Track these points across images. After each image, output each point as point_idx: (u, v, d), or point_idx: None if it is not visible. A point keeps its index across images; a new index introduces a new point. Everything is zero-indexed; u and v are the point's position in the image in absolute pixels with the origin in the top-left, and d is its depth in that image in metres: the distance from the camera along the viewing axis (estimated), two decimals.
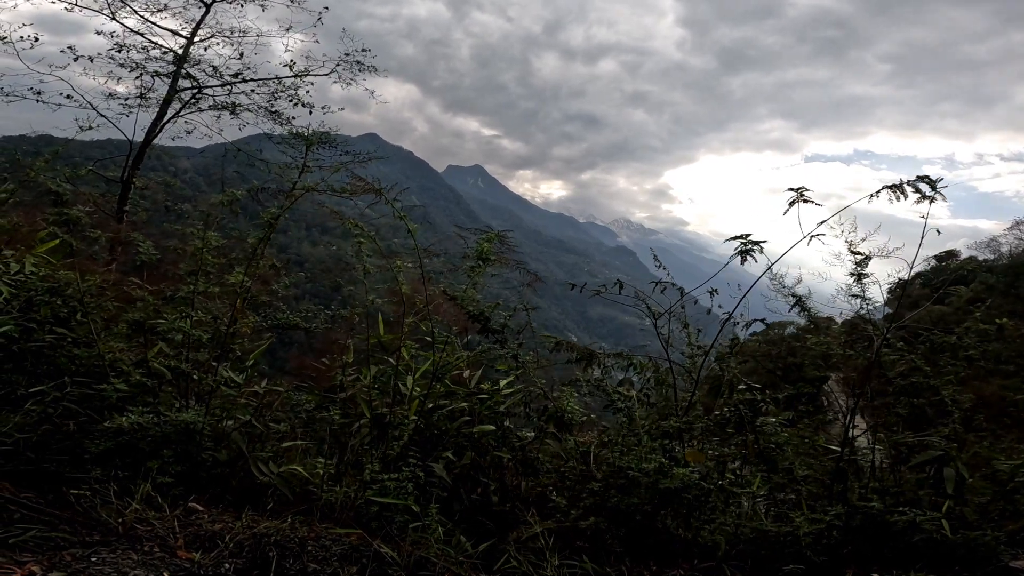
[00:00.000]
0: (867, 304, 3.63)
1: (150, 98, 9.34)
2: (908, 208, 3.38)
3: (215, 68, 9.71)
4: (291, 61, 9.99)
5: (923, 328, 3.68)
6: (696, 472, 3.03)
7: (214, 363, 3.44)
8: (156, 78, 9.40)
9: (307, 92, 10.07)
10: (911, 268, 3.38)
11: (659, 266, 3.80)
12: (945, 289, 3.90)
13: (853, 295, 3.56)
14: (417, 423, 3.44)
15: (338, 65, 10.24)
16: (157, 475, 2.69)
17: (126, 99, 9.25)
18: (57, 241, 3.95)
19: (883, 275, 3.59)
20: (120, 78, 9.37)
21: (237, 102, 9.88)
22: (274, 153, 9.24)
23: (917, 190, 3.00)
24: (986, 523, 3.09)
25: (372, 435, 3.52)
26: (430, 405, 3.56)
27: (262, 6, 10.08)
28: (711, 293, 3.60)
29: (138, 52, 9.35)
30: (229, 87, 9.89)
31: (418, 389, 3.72)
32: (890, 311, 4.15)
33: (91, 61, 9.16)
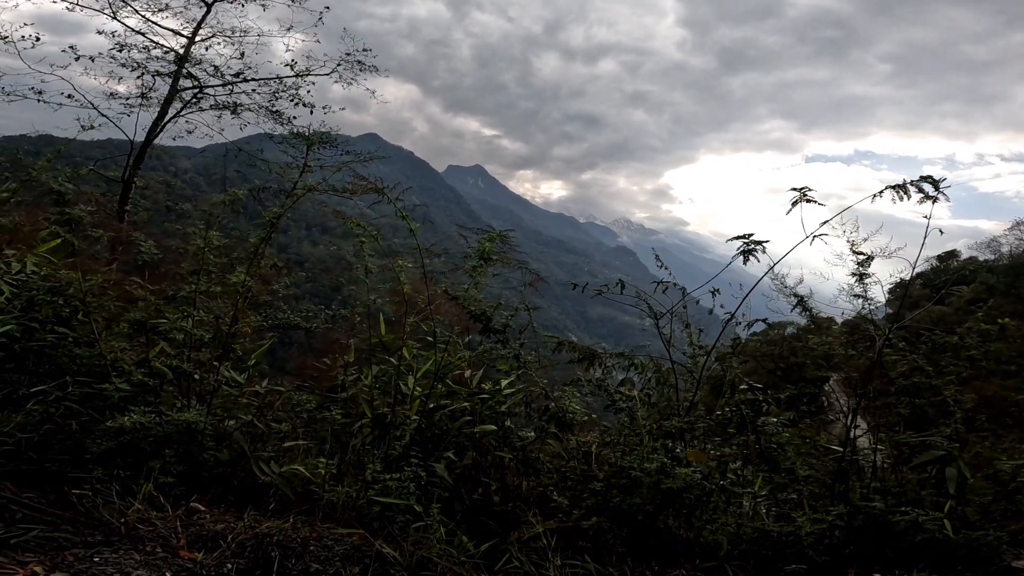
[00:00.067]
0: (868, 304, 3.63)
1: (151, 98, 9.36)
2: (908, 208, 3.37)
3: (216, 68, 9.72)
4: (292, 61, 10.00)
5: (925, 328, 3.67)
6: (698, 472, 3.03)
7: (216, 363, 3.44)
8: (157, 78, 9.42)
9: (308, 92, 10.09)
10: (913, 268, 3.38)
11: (661, 266, 3.79)
12: (947, 289, 3.89)
13: (855, 295, 3.56)
14: (419, 423, 3.44)
15: (339, 65, 10.26)
16: (159, 475, 2.68)
17: (127, 99, 9.26)
18: (59, 240, 3.95)
19: (884, 275, 3.59)
20: (121, 78, 9.39)
21: (238, 102, 9.90)
22: (275, 153, 9.23)
23: (920, 190, 3.00)
24: (988, 523, 3.08)
25: (373, 435, 3.53)
26: (431, 405, 3.56)
27: (263, 6, 10.09)
28: (713, 293, 3.59)
29: (139, 52, 9.37)
30: (230, 87, 9.90)
31: (419, 389, 3.72)
32: (891, 311, 4.14)
33: (92, 61, 9.17)
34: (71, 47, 9.07)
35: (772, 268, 3.54)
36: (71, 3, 9.14)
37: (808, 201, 3.14)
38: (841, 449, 3.48)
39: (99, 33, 9.31)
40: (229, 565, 2.18)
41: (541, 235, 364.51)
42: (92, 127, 6.49)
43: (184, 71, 9.50)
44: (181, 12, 9.67)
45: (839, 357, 3.82)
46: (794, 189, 3.20)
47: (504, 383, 3.87)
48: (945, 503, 3.08)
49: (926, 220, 3.14)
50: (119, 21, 9.35)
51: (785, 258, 3.52)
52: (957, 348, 3.41)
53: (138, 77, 9.36)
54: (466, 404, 3.65)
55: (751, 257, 3.23)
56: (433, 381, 3.59)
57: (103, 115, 8.76)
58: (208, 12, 9.79)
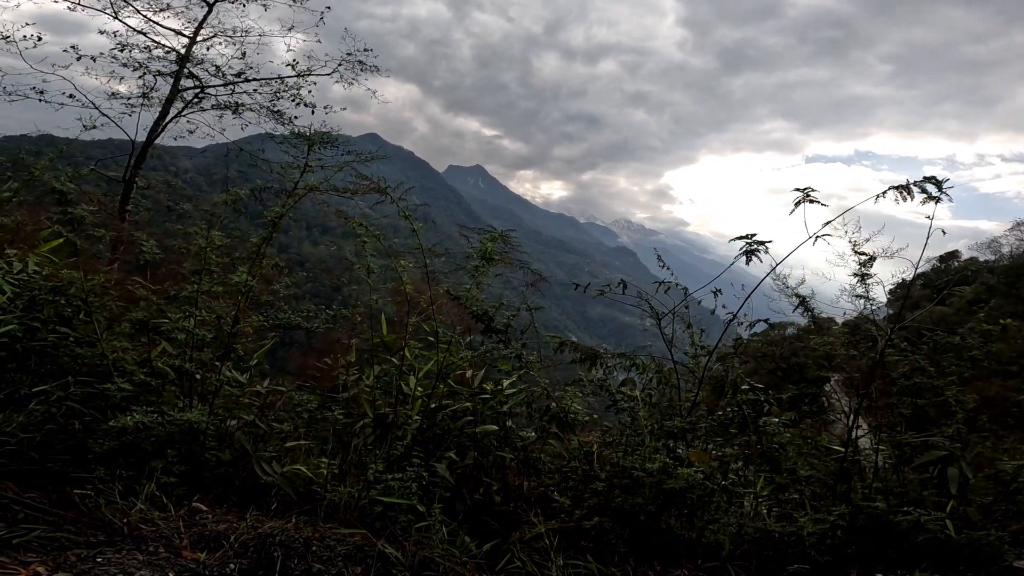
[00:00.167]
0: (870, 305, 3.63)
1: (152, 98, 9.35)
2: (909, 209, 3.37)
3: (218, 68, 9.72)
4: (294, 61, 10.01)
5: (926, 328, 3.67)
6: (700, 472, 3.03)
7: (217, 363, 3.44)
8: (159, 78, 9.41)
9: (309, 92, 10.09)
10: (915, 269, 3.38)
11: (663, 266, 3.79)
12: (949, 290, 3.89)
13: (857, 295, 3.56)
14: (420, 423, 3.44)
15: (340, 65, 10.26)
16: (161, 475, 2.68)
17: (128, 99, 9.26)
18: (60, 240, 3.95)
19: (885, 276, 3.59)
20: (122, 78, 9.38)
21: (240, 102, 9.90)
22: (276, 153, 9.24)
23: (923, 191, 3.00)
24: (990, 523, 3.09)
25: (375, 435, 3.53)
26: (433, 405, 3.56)
27: (264, 6, 10.09)
28: (715, 294, 3.59)
29: (140, 52, 9.36)
30: (232, 87, 9.90)
31: (421, 389, 3.72)
32: (892, 312, 4.14)
33: (93, 61, 9.16)
34: (72, 47, 9.07)
35: (774, 269, 3.54)
36: (72, 3, 9.14)
37: (811, 202, 3.14)
38: (843, 449, 3.48)
39: (100, 33, 9.32)
40: (232, 565, 2.18)
41: (541, 235, 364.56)
42: (94, 127, 6.49)
43: (185, 71, 9.50)
44: (182, 12, 9.68)
45: (840, 357, 3.82)
46: (797, 190, 3.20)
47: (506, 383, 3.87)
48: (947, 503, 3.08)
49: (928, 220, 3.14)
50: (120, 21, 9.36)
51: (786, 258, 3.53)
52: (959, 348, 3.41)
53: (139, 77, 9.36)
54: (468, 404, 3.65)
55: (753, 257, 3.23)
56: (435, 381, 3.59)
57: (104, 115, 8.76)
58: (209, 12, 9.79)
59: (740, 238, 3.27)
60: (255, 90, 10.03)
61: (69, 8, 9.21)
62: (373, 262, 3.54)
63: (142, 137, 9.21)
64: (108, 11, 9.24)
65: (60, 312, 3.22)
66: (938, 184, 2.98)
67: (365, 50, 10.31)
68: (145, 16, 9.43)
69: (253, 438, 3.28)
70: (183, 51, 9.50)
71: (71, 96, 8.79)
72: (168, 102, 9.36)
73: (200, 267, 3.32)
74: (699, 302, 3.88)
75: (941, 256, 35.62)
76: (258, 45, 10.12)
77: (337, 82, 10.35)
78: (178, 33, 9.72)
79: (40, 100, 8.64)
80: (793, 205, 3.17)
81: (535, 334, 3.78)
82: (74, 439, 2.78)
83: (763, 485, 3.38)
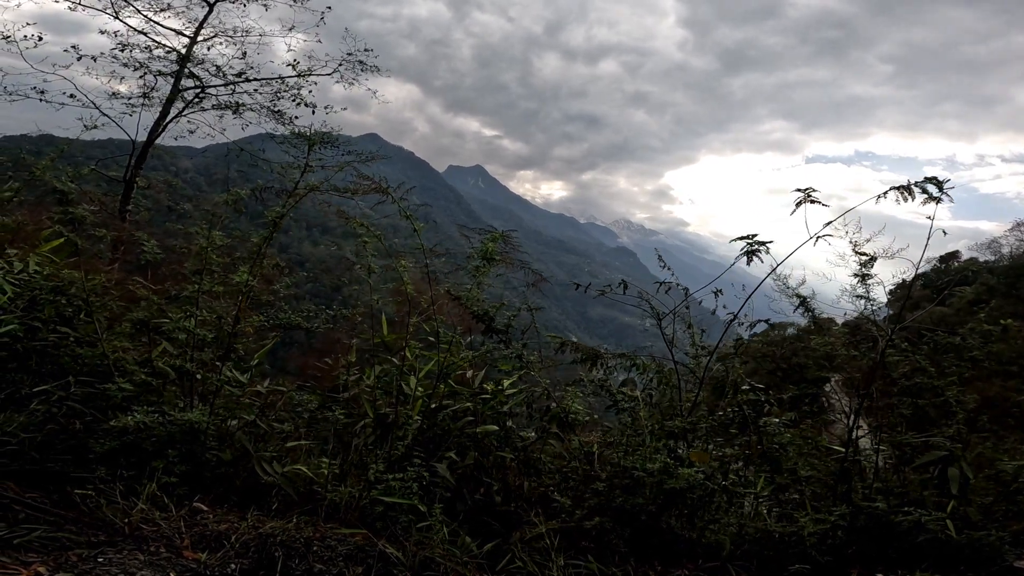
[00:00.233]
0: (870, 305, 3.63)
1: (153, 97, 9.36)
2: (909, 210, 3.38)
3: (218, 68, 9.73)
4: (295, 60, 10.01)
5: (927, 328, 3.67)
6: (701, 472, 3.03)
7: (218, 363, 3.44)
8: (159, 77, 9.42)
9: (310, 92, 10.10)
10: (916, 269, 3.38)
11: (663, 266, 3.79)
12: (950, 290, 3.89)
13: (857, 296, 3.56)
14: (421, 423, 3.45)
15: (340, 65, 10.27)
16: (162, 475, 2.68)
17: (129, 98, 9.27)
18: (61, 240, 3.95)
19: (886, 276, 3.59)
20: (123, 77, 9.39)
21: (240, 102, 9.91)
22: (277, 153, 9.25)
23: (924, 191, 3.00)
24: (990, 523, 3.09)
25: (376, 435, 3.53)
26: (434, 405, 3.56)
27: (265, 6, 10.10)
28: (716, 294, 3.59)
29: (141, 51, 9.37)
30: (232, 87, 9.90)
31: (421, 389, 3.72)
32: (892, 312, 4.15)
33: (94, 60, 9.17)
34: (73, 47, 9.08)
35: (775, 269, 3.54)
36: (73, 3, 9.15)
37: (812, 202, 3.14)
38: (843, 449, 3.48)
39: (101, 33, 9.33)
40: (233, 565, 2.18)
41: (541, 235, 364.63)
42: (95, 127, 6.50)
43: (186, 71, 9.51)
44: (183, 12, 9.69)
45: (841, 358, 3.82)
46: (798, 190, 3.20)
47: (506, 383, 3.87)
48: (947, 503, 3.08)
49: (928, 221, 3.14)
50: (121, 21, 9.37)
51: (787, 259, 3.53)
52: (959, 349, 3.41)
53: (140, 77, 9.37)
54: (468, 404, 3.65)
55: (754, 258, 3.23)
56: (436, 381, 3.59)
57: (105, 115, 8.77)
58: (210, 12, 9.80)
59: (741, 238, 3.27)
60: (256, 90, 10.04)
61: (70, 8, 9.23)
62: (374, 262, 3.53)
63: (142, 137, 9.22)
64: (109, 11, 9.25)
65: (61, 312, 3.22)
66: (939, 185, 2.98)
67: (366, 50, 10.33)
68: (146, 16, 9.45)
69: (254, 438, 3.28)
70: (184, 51, 9.51)
71: (72, 96, 8.81)
72: (169, 102, 9.37)
73: (201, 267, 3.32)
74: (699, 302, 3.88)
75: (942, 256, 35.62)
76: (259, 45, 10.14)
77: (337, 82, 10.37)
78: (179, 33, 9.74)
79: (41, 100, 8.65)
80: (794, 205, 3.17)
81: (536, 334, 3.78)
82: (75, 439, 2.78)
83: (764, 485, 3.38)
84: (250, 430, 3.32)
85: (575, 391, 3.67)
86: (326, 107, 10.18)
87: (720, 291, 3.60)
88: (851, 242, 3.43)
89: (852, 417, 3.54)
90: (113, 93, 9.27)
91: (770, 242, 3.25)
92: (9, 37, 8.34)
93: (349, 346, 4.22)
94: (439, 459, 3.30)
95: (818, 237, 3.21)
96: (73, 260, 3.71)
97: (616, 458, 3.29)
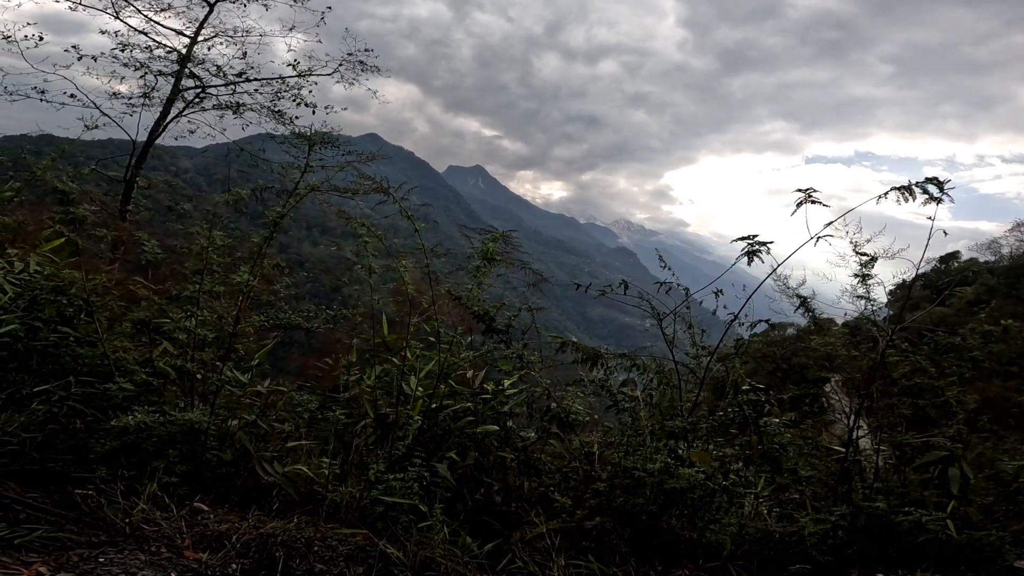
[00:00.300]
0: (871, 305, 3.63)
1: (153, 97, 9.37)
2: (910, 210, 3.38)
3: (219, 68, 9.73)
4: (295, 61, 10.02)
5: (927, 329, 3.68)
6: (701, 472, 3.03)
7: (219, 363, 3.44)
8: (159, 77, 9.43)
9: (310, 92, 10.11)
10: (916, 269, 3.38)
11: (664, 267, 3.79)
12: (950, 290, 3.89)
13: (858, 296, 3.56)
14: (421, 423, 3.45)
15: (340, 65, 10.28)
16: (163, 475, 2.68)
17: (129, 98, 9.27)
18: (62, 240, 3.95)
19: (886, 277, 3.59)
20: (123, 77, 9.40)
21: (240, 102, 9.92)
22: (277, 153, 9.26)
23: (925, 191, 3.00)
24: (991, 523, 3.09)
25: (376, 435, 3.53)
26: (434, 405, 3.56)
27: (265, 6, 10.11)
28: (716, 294, 3.60)
29: (141, 51, 9.38)
30: (233, 87, 9.91)
31: (422, 389, 3.72)
32: (892, 312, 4.15)
33: (95, 60, 9.18)
34: (74, 47, 9.09)
35: (775, 270, 3.54)
36: (73, 3, 9.16)
37: (812, 202, 3.14)
38: (843, 450, 3.48)
39: (102, 33, 9.33)
40: (234, 565, 2.18)
41: (541, 236, 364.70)
42: (95, 127, 6.49)
43: (186, 71, 9.51)
44: (183, 12, 9.70)
45: (841, 358, 3.82)
46: (799, 190, 3.20)
47: (507, 383, 3.87)
48: (948, 503, 3.09)
49: (929, 221, 3.14)
50: (121, 21, 9.38)
51: (788, 259, 3.53)
52: (959, 349, 3.41)
53: (140, 77, 9.38)
54: (469, 404, 3.65)
55: (755, 258, 3.23)
56: (436, 381, 3.59)
57: (105, 115, 8.77)
58: (211, 12, 9.81)
59: (742, 239, 3.27)
60: (256, 90, 10.05)
61: (70, 8, 9.23)
62: (374, 262, 3.54)
63: (143, 137, 9.23)
64: (109, 11, 9.27)
65: (62, 312, 3.22)
66: (939, 185, 2.99)
67: (366, 50, 10.35)
68: (146, 16, 9.46)
69: (254, 438, 3.28)
70: (184, 51, 9.51)
71: (72, 96, 8.81)
72: (169, 102, 9.37)
73: (202, 267, 3.32)
74: (700, 303, 3.88)
75: (942, 257, 35.59)
76: (259, 45, 10.15)
77: (338, 82, 10.38)
78: (179, 33, 9.74)
79: (41, 100, 8.65)
80: (795, 206, 3.17)
81: (536, 334, 3.78)
82: (76, 439, 2.78)
83: (764, 485, 3.38)
84: (251, 430, 3.32)
85: (575, 391, 3.67)
86: (326, 107, 10.20)
87: (720, 291, 3.60)
88: (851, 242, 3.43)
89: (852, 417, 3.54)
90: (113, 93, 9.28)
91: (770, 243, 3.25)
92: (9, 37, 8.35)
93: (349, 346, 4.22)
94: (440, 459, 3.30)
95: (818, 237, 3.22)
96: (74, 260, 3.71)
97: (617, 458, 3.29)
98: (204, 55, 9.84)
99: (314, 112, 10.08)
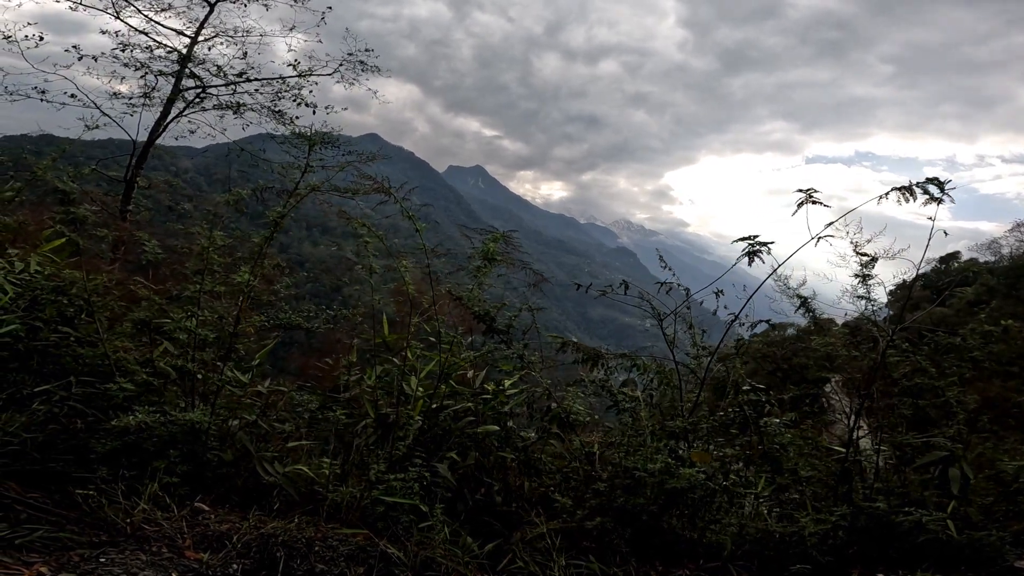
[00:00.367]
0: (871, 305, 3.63)
1: (154, 98, 9.37)
2: (910, 210, 3.38)
3: (219, 68, 9.73)
4: (295, 61, 10.02)
5: (928, 329, 3.68)
6: (702, 472, 3.04)
7: (219, 363, 3.44)
8: (160, 77, 9.43)
9: (310, 92, 10.11)
10: (917, 269, 3.39)
11: (664, 267, 3.80)
12: (951, 290, 3.90)
13: (858, 296, 3.56)
14: (422, 423, 3.45)
15: (341, 65, 10.28)
16: (163, 475, 2.68)
17: (130, 98, 9.27)
18: (62, 240, 3.95)
19: (886, 277, 3.60)
20: (124, 77, 9.40)
21: (241, 102, 9.92)
22: (277, 153, 9.27)
23: (926, 192, 3.01)
24: (991, 523, 3.09)
25: (377, 435, 3.53)
26: (435, 405, 3.56)
27: (265, 6, 10.11)
28: (717, 294, 3.60)
29: (142, 51, 9.38)
30: (233, 87, 9.91)
31: (422, 389, 3.73)
32: (892, 312, 4.15)
33: (95, 60, 9.18)
34: (74, 47, 9.09)
35: (776, 270, 3.55)
36: (74, 3, 9.16)
37: (813, 203, 3.14)
38: (844, 450, 3.49)
39: (102, 33, 9.34)
40: (235, 566, 2.18)
41: (541, 236, 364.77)
42: (96, 127, 6.50)
43: (187, 71, 9.52)
44: (184, 12, 9.70)
45: (841, 358, 3.82)
46: (800, 191, 3.20)
47: (507, 383, 3.87)
48: (948, 504, 3.09)
49: (929, 221, 3.15)
50: (122, 21, 9.38)
51: (788, 260, 3.53)
52: (960, 349, 3.42)
53: (141, 77, 9.38)
54: (469, 404, 3.66)
55: (755, 258, 3.23)
56: (437, 381, 3.59)
57: (106, 115, 8.78)
58: (211, 12, 9.81)
59: (743, 239, 3.27)
60: (256, 90, 10.06)
61: (71, 8, 9.23)
62: (375, 262, 3.54)
63: (143, 137, 9.23)
64: (110, 11, 9.27)
65: (62, 312, 3.22)
66: (940, 185, 2.99)
67: (366, 50, 10.35)
68: (147, 16, 9.46)
69: (255, 438, 3.29)
70: (185, 51, 9.52)
71: (72, 96, 8.81)
72: (169, 102, 9.38)
73: (202, 267, 3.32)
74: (700, 303, 3.88)
75: (942, 257, 35.55)
76: (259, 45, 10.15)
77: (338, 82, 10.39)
78: (180, 33, 9.74)
79: (42, 100, 8.65)
80: (796, 206, 3.17)
81: (536, 334, 3.79)
82: (76, 439, 2.78)
83: (764, 485, 3.38)
84: (251, 430, 3.32)
85: (576, 391, 3.67)
86: (327, 107, 10.21)
87: (721, 292, 3.60)
88: (852, 243, 3.43)
89: (853, 417, 3.54)
90: (114, 93, 9.28)
91: (771, 243, 3.25)
92: (10, 37, 8.35)
93: (350, 346, 4.23)
94: (440, 459, 3.30)
95: (819, 238, 3.22)
96: (74, 260, 3.71)
97: (617, 458, 3.29)
98: (204, 55, 9.85)
99: (314, 112, 10.09)
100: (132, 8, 9.37)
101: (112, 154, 9.83)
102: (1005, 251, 39.30)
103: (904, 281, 3.94)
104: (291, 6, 10.17)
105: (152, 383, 3.21)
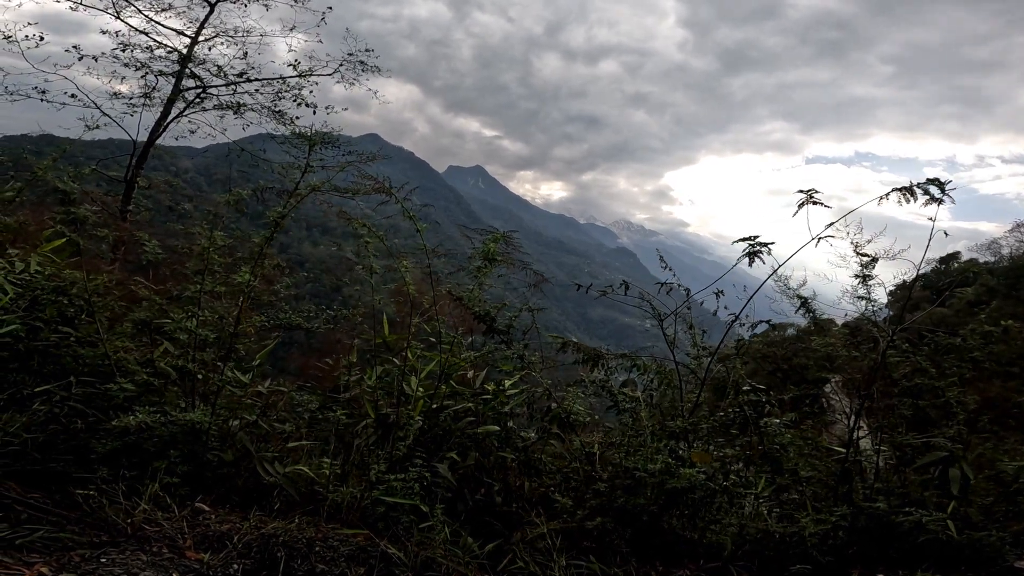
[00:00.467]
0: (871, 306, 3.63)
1: (154, 98, 9.37)
2: (910, 211, 3.38)
3: (220, 68, 9.74)
4: (295, 61, 10.03)
5: (928, 329, 3.68)
6: (702, 473, 3.04)
7: (220, 363, 3.44)
8: (160, 78, 9.43)
9: (311, 92, 10.12)
10: (917, 270, 3.39)
11: (664, 267, 3.80)
12: (951, 291, 3.90)
13: (858, 297, 3.56)
14: (422, 424, 3.45)
15: (341, 65, 10.28)
16: (164, 475, 2.68)
17: (130, 99, 9.28)
18: (63, 240, 3.95)
19: (886, 277, 3.60)
20: (124, 78, 9.41)
21: (241, 102, 9.93)
22: (277, 153, 9.27)
23: (926, 192, 3.01)
24: (991, 524, 3.10)
25: (377, 435, 3.53)
26: (435, 406, 3.56)
27: (266, 6, 10.12)
28: (717, 295, 3.60)
29: (142, 51, 9.39)
30: (233, 87, 9.91)
31: (422, 390, 3.73)
32: (892, 313, 4.15)
33: (95, 61, 9.18)
34: (74, 47, 9.09)
35: (776, 271, 3.55)
36: (74, 3, 9.16)
37: (814, 203, 3.14)
38: (844, 450, 3.49)
39: (103, 33, 9.34)
40: (235, 566, 2.18)
41: (541, 236, 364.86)
42: (96, 127, 6.50)
43: (187, 71, 9.52)
44: (184, 12, 9.70)
45: (841, 358, 3.82)
46: (800, 191, 3.21)
47: (507, 384, 3.87)
48: (948, 504, 3.09)
49: (929, 222, 3.15)
50: (122, 21, 9.38)
51: (789, 260, 3.54)
52: (960, 350, 3.42)
53: (141, 77, 9.39)
54: (469, 405, 3.66)
55: (756, 259, 3.23)
56: (437, 382, 3.59)
57: (106, 115, 8.78)
58: (211, 12, 9.82)
59: (743, 240, 3.28)
60: (257, 90, 10.06)
61: (71, 8, 9.23)
62: (375, 262, 3.54)
63: (143, 137, 9.23)
64: (110, 11, 9.27)
65: (63, 312, 3.22)
66: (941, 186, 2.99)
67: (366, 50, 10.36)
68: (147, 16, 9.46)
69: (255, 438, 3.29)
70: (185, 51, 9.52)
71: (73, 96, 8.82)
72: (170, 102, 9.38)
73: (203, 267, 3.32)
74: (701, 303, 3.89)
75: (942, 258, 35.53)
76: (260, 45, 10.16)
77: (338, 82, 10.39)
78: (180, 33, 9.75)
79: (42, 100, 8.65)
80: (797, 207, 3.17)
81: (537, 335, 3.79)
82: (77, 439, 2.78)
83: (764, 486, 3.39)
84: (252, 430, 3.32)
85: (576, 392, 3.67)
86: (327, 107, 10.22)
87: (721, 292, 3.60)
88: (852, 243, 3.44)
89: (853, 418, 3.54)
90: (114, 93, 9.28)
91: (771, 243, 3.25)
92: (10, 37, 8.35)
93: (350, 346, 4.23)
94: (440, 459, 3.30)
95: (819, 238, 3.22)
96: (74, 260, 3.71)
97: (617, 458, 3.29)
98: (205, 55, 9.86)
99: (314, 112, 10.10)
100: (132, 8, 9.39)
101: (112, 154, 9.83)
102: (1005, 251, 39.28)
103: (904, 281, 3.94)
104: (291, 6, 10.19)
105: (152, 383, 3.21)
